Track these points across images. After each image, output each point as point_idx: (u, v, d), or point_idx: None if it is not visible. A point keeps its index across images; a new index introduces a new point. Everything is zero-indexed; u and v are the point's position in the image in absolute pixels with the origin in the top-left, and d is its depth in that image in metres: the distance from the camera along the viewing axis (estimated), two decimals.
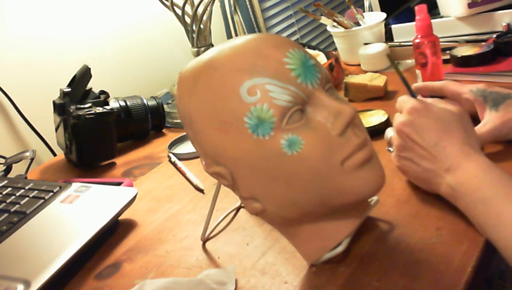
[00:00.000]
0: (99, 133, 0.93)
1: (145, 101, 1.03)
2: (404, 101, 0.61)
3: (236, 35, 1.47)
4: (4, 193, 0.79)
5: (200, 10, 1.03)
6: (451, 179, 0.55)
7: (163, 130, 1.07)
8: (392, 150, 0.64)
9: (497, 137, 0.66)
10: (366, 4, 1.33)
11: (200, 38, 1.06)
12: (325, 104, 0.48)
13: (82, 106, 0.92)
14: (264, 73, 0.47)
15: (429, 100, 0.61)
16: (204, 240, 0.65)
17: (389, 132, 0.67)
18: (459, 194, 0.54)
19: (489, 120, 0.66)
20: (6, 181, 0.83)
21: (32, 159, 0.97)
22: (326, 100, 0.48)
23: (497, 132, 0.65)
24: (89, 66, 0.94)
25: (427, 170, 0.58)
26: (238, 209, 0.67)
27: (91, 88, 0.96)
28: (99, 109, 0.92)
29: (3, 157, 0.98)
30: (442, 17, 1.17)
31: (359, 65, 1.13)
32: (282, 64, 0.48)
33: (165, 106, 1.09)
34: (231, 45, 0.50)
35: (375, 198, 0.58)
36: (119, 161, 0.97)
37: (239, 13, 1.45)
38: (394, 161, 0.63)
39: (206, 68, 0.50)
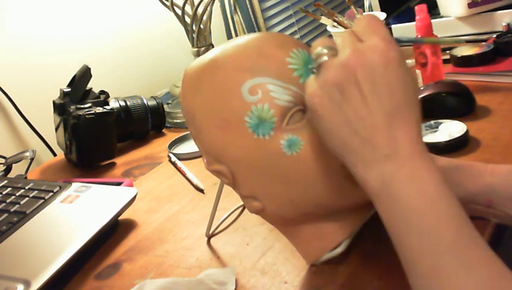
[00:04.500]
0: (99, 133, 0.93)
1: (145, 101, 1.03)
2: (376, 22, 0.42)
3: (237, 35, 1.47)
4: (4, 193, 0.79)
5: (200, 10, 1.03)
6: (389, 171, 0.40)
7: (163, 130, 1.07)
8: (315, 71, 0.44)
9: None
10: (366, 4, 1.33)
11: (200, 38, 1.06)
12: None
13: (82, 106, 0.92)
14: (265, 73, 0.47)
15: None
16: (209, 236, 0.65)
17: (323, 47, 0.44)
18: (389, 195, 0.40)
19: None
20: (6, 181, 0.83)
21: (32, 159, 0.97)
22: None
23: None
24: (89, 66, 0.94)
25: (359, 137, 0.41)
26: (244, 207, 0.66)
27: (91, 88, 0.96)
28: (99, 109, 0.92)
29: (3, 157, 0.98)
30: (442, 17, 1.17)
31: None
32: (284, 64, 0.48)
33: (165, 106, 1.09)
34: (234, 44, 0.50)
35: None
36: (119, 161, 0.97)
37: (239, 13, 1.45)
38: (309, 86, 0.44)
39: (209, 66, 0.50)
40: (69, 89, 0.94)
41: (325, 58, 0.43)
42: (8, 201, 0.76)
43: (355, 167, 0.42)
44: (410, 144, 0.40)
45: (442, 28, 1.11)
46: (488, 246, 0.38)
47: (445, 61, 0.94)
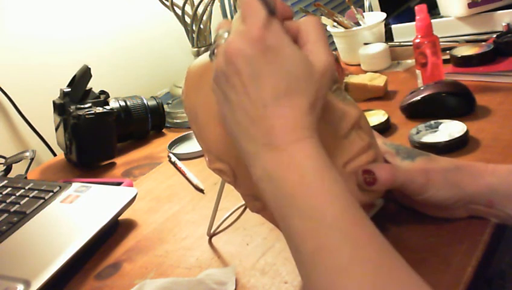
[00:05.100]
0: (99, 133, 0.93)
1: (145, 101, 1.03)
2: (256, 10, 0.41)
3: None
4: (4, 193, 0.79)
5: (200, 10, 1.03)
6: (268, 160, 0.41)
7: (163, 130, 1.07)
8: (212, 57, 0.45)
9: (407, 185, 0.52)
10: (366, 4, 1.33)
11: (200, 38, 1.06)
12: (329, 106, 0.48)
13: (82, 106, 0.92)
14: None
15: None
16: (211, 235, 0.65)
17: (223, 34, 0.44)
18: (271, 182, 0.41)
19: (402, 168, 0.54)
20: (6, 181, 0.83)
21: (32, 159, 0.97)
22: (331, 102, 0.48)
23: (410, 177, 0.52)
24: (89, 66, 0.94)
25: (241, 125, 0.42)
26: (245, 206, 0.66)
27: (91, 88, 0.96)
28: (99, 109, 0.92)
29: (3, 157, 0.98)
30: (442, 17, 1.17)
31: (359, 65, 1.13)
32: None
33: (165, 106, 1.09)
34: None
35: (377, 201, 0.57)
36: (119, 161, 0.97)
37: None
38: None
39: (212, 65, 0.50)
40: (69, 89, 0.94)
41: (222, 41, 0.43)
42: (8, 201, 0.76)
43: (245, 157, 0.43)
44: (288, 132, 0.40)
45: (442, 28, 1.11)
46: (373, 225, 0.39)
47: (445, 61, 0.94)
